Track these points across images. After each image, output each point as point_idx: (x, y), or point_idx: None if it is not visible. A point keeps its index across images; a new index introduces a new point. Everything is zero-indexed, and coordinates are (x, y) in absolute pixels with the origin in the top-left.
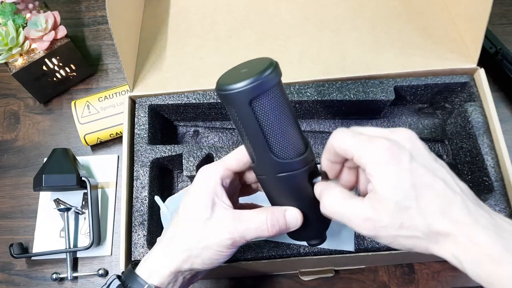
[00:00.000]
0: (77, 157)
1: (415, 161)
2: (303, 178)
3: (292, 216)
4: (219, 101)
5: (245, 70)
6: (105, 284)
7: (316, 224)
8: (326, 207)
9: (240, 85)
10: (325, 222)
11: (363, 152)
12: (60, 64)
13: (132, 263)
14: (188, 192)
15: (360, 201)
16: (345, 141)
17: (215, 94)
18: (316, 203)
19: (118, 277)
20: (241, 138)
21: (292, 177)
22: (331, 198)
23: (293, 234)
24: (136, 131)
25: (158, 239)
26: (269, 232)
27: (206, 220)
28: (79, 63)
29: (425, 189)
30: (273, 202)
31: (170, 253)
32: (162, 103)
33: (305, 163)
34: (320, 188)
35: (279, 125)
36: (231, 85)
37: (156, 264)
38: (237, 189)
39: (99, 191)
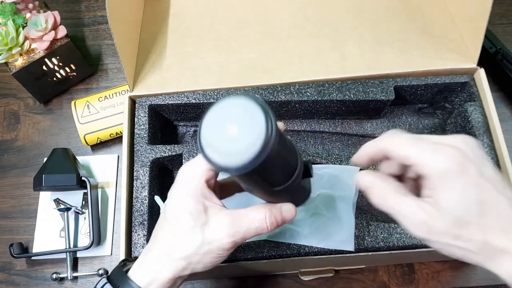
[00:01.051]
0: (77, 157)
1: (482, 175)
2: (298, 183)
3: (288, 211)
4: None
5: (236, 129)
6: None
7: (301, 202)
8: (379, 200)
9: (240, 163)
10: (307, 194)
11: (427, 161)
12: (60, 64)
13: (120, 263)
14: (173, 197)
15: (417, 202)
16: (406, 147)
17: (215, 94)
18: (303, 188)
19: (108, 278)
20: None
21: (288, 188)
22: (387, 192)
23: None
24: (136, 131)
25: (150, 244)
26: (268, 230)
27: (203, 226)
28: (79, 63)
29: (490, 207)
30: (264, 200)
31: (169, 262)
32: (162, 103)
33: (298, 175)
34: (371, 179)
35: (279, 169)
36: (230, 164)
37: (154, 273)
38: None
39: (99, 191)
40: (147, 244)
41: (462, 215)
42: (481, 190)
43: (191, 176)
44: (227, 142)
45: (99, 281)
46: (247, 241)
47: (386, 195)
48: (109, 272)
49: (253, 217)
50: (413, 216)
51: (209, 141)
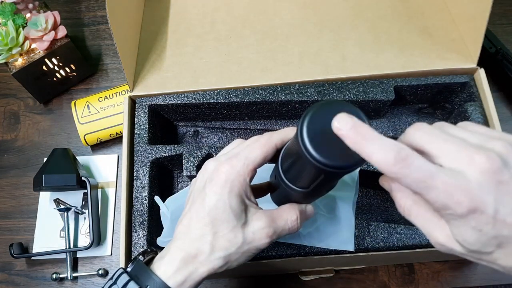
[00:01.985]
0: (77, 157)
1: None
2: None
3: (311, 211)
4: (219, 101)
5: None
6: (111, 278)
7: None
8: (406, 212)
9: (344, 165)
10: None
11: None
12: (60, 64)
13: (141, 256)
14: (215, 194)
15: (440, 225)
16: (437, 142)
17: (215, 94)
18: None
19: (130, 275)
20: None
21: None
22: (415, 208)
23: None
24: (136, 131)
25: (179, 240)
26: (299, 229)
27: (243, 226)
28: (79, 63)
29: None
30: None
31: (208, 261)
32: (162, 103)
33: None
34: (397, 189)
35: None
36: (341, 163)
37: (188, 271)
38: None
39: (99, 191)
40: (147, 244)
41: (479, 249)
42: (498, 227)
43: (236, 174)
44: (333, 142)
45: (118, 276)
46: None
47: (415, 213)
48: (128, 267)
49: (287, 218)
50: (435, 237)
51: (314, 138)
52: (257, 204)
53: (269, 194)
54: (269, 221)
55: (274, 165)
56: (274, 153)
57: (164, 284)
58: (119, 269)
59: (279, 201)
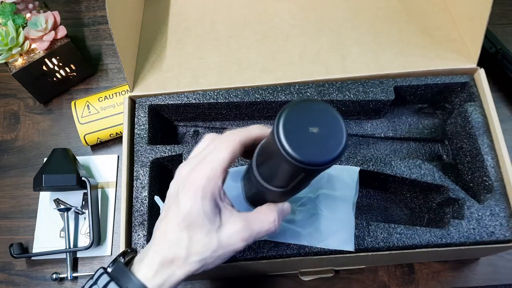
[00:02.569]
0: (77, 157)
1: None
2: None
3: (287, 209)
4: (219, 101)
5: (316, 131)
6: (91, 278)
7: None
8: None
9: (320, 161)
10: None
11: None
12: (60, 64)
13: (121, 257)
14: (187, 199)
15: None
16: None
17: (215, 94)
18: None
19: (110, 275)
20: (271, 174)
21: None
22: None
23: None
24: (136, 131)
25: (157, 243)
26: (276, 231)
27: (218, 230)
28: (79, 63)
29: None
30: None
31: (184, 265)
32: (162, 103)
33: None
34: None
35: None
36: (320, 159)
37: (166, 275)
38: None
39: (99, 191)
40: (147, 244)
41: None
42: None
43: (207, 180)
44: (309, 140)
45: (99, 276)
46: None
47: None
48: (108, 267)
49: (264, 220)
50: None
51: (291, 136)
52: (232, 206)
53: (243, 195)
54: (245, 224)
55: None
56: (242, 151)
57: (143, 286)
58: (99, 268)
59: (254, 202)
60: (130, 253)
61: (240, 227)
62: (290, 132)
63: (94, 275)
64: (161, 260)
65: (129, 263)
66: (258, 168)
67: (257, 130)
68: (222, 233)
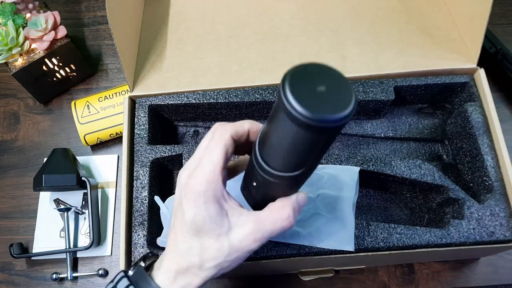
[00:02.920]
0: (77, 157)
1: None
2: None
3: (303, 199)
4: (219, 101)
5: (324, 89)
6: (112, 281)
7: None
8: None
9: (331, 118)
10: None
11: None
12: (60, 64)
13: (142, 261)
14: (191, 207)
15: None
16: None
17: (215, 94)
18: None
19: (126, 276)
20: (280, 147)
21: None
22: None
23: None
24: (136, 131)
25: (172, 252)
26: (292, 226)
27: (228, 233)
28: (79, 63)
29: None
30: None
31: (200, 273)
32: (162, 103)
33: None
34: None
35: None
36: (334, 116)
37: (184, 283)
38: None
39: (99, 191)
40: (147, 244)
41: None
42: None
43: (206, 183)
44: (319, 98)
45: (119, 280)
46: None
47: None
48: (129, 270)
49: (277, 219)
50: None
51: (300, 96)
52: (240, 205)
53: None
54: (256, 225)
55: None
56: (234, 146)
57: None
58: (120, 272)
59: (263, 203)
60: (151, 257)
61: (251, 229)
62: (298, 93)
63: (114, 278)
64: (176, 268)
65: (149, 268)
66: (263, 155)
67: (247, 124)
68: (233, 236)
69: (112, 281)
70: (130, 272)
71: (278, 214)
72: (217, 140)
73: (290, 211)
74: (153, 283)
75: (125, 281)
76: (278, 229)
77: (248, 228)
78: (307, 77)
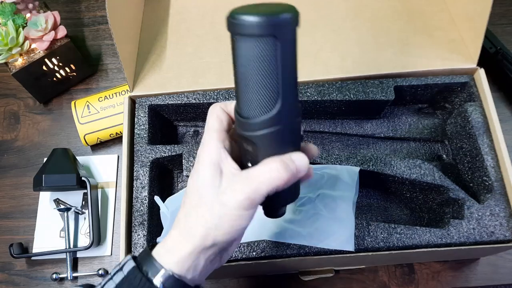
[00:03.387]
0: (77, 157)
1: None
2: (297, 121)
3: (300, 159)
4: (219, 101)
5: (265, 7)
6: (119, 264)
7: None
8: None
9: (288, 16)
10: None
11: None
12: (60, 64)
13: (149, 244)
14: (194, 170)
15: None
16: None
17: (215, 94)
18: (298, 132)
19: (134, 258)
20: (246, 81)
21: (299, 123)
22: None
23: (275, 200)
24: (136, 131)
25: (174, 224)
26: (284, 178)
27: (217, 189)
28: (79, 63)
29: None
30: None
31: (188, 231)
32: (162, 103)
33: (299, 107)
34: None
35: (293, 65)
36: (280, 15)
37: (174, 246)
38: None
39: (99, 191)
40: (147, 244)
41: None
42: None
43: (206, 147)
44: (261, 11)
45: (126, 262)
46: (246, 240)
47: None
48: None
49: (265, 170)
50: None
51: (242, 12)
52: (236, 167)
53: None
54: (243, 178)
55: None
56: (226, 115)
57: (164, 269)
58: (128, 255)
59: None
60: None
61: (240, 182)
62: (243, 12)
63: (122, 261)
64: (171, 236)
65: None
66: (239, 111)
67: (233, 103)
68: (220, 191)
69: (119, 263)
70: (137, 254)
71: (266, 166)
72: (209, 112)
73: (278, 164)
74: (156, 262)
75: (131, 263)
76: (266, 181)
77: (235, 182)
78: (248, 7)
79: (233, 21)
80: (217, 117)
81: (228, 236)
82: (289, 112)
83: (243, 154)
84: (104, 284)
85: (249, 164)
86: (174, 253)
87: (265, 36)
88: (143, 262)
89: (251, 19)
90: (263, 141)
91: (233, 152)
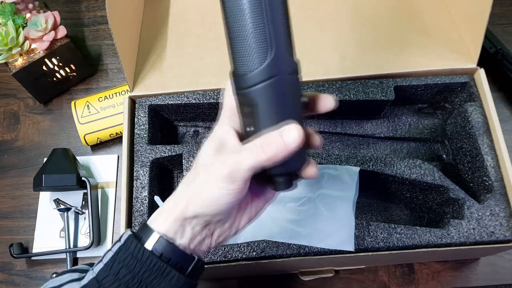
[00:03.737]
0: (77, 157)
1: None
2: (295, 79)
3: (290, 132)
4: (219, 101)
5: None
6: (120, 236)
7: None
8: None
9: None
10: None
11: None
12: (60, 64)
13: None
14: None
15: None
16: None
17: (215, 94)
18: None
19: (132, 231)
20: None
21: (296, 81)
22: None
23: (275, 170)
24: (136, 131)
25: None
26: (266, 154)
27: (208, 159)
28: (79, 63)
29: None
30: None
31: (176, 197)
32: (162, 103)
33: (295, 64)
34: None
35: (286, 16)
36: None
37: (164, 213)
38: None
39: (99, 191)
40: None
41: None
42: None
43: (217, 124)
44: None
45: (124, 233)
46: (246, 240)
47: None
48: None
49: (248, 146)
50: None
51: None
52: (240, 144)
53: None
54: (229, 151)
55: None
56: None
57: (155, 233)
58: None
59: None
60: None
61: (228, 157)
62: None
63: (121, 234)
64: (171, 210)
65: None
66: (235, 72)
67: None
68: (209, 161)
69: (119, 238)
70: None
71: (250, 144)
72: (225, 90)
73: (262, 138)
74: (148, 227)
75: (128, 232)
76: (247, 155)
77: (222, 154)
78: None
79: None
80: (231, 95)
81: (208, 209)
82: (284, 63)
83: (243, 123)
84: (104, 256)
85: (250, 128)
86: (165, 218)
87: None
88: (139, 231)
89: None
90: (260, 96)
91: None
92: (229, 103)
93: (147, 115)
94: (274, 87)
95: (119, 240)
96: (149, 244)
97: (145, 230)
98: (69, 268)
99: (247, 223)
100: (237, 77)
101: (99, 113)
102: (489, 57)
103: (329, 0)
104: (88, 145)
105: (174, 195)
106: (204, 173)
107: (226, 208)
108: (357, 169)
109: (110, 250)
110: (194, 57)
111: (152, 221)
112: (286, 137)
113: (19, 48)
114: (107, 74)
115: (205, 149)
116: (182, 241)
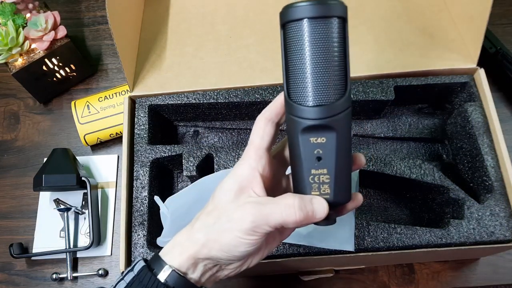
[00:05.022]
0: (77, 157)
1: None
2: (347, 116)
3: (319, 205)
4: (219, 101)
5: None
6: (131, 265)
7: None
8: None
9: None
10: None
11: None
12: (60, 64)
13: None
14: (226, 178)
15: None
16: None
17: (215, 94)
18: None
19: (145, 260)
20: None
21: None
22: None
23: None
24: (136, 131)
25: (191, 222)
26: (296, 216)
27: (229, 203)
28: (79, 63)
29: None
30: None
31: (193, 235)
32: (162, 103)
33: (349, 99)
34: None
35: (343, 54)
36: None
37: (178, 247)
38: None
39: (99, 191)
40: (147, 244)
41: None
42: None
43: (242, 162)
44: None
45: (137, 262)
46: None
47: None
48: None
49: (280, 200)
50: None
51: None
52: (264, 193)
53: None
54: (257, 202)
55: None
56: (274, 124)
57: (169, 268)
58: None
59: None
60: None
61: (251, 204)
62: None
63: (133, 263)
64: (180, 233)
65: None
66: (290, 92)
67: (281, 97)
68: (231, 207)
69: (131, 265)
70: (148, 257)
71: (283, 197)
72: (254, 125)
73: (296, 199)
74: (161, 259)
75: (141, 263)
76: (278, 213)
77: (247, 203)
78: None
79: (302, 5)
80: (259, 132)
81: (224, 254)
82: (342, 101)
83: (292, 164)
84: (116, 284)
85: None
86: (179, 253)
87: (335, 17)
88: (151, 262)
89: (326, 1)
90: (341, 123)
91: (268, 170)
92: (258, 143)
93: (147, 115)
94: (350, 116)
95: (132, 269)
96: (161, 277)
97: (158, 262)
98: (68, 268)
99: (259, 261)
100: (313, 107)
101: (99, 113)
102: (489, 57)
103: None
104: (88, 145)
105: (191, 230)
106: (225, 218)
107: (242, 256)
108: (357, 169)
109: (122, 279)
110: (194, 57)
111: (165, 254)
112: (316, 206)
113: (19, 48)
114: (107, 74)
115: (225, 189)
116: (193, 275)
